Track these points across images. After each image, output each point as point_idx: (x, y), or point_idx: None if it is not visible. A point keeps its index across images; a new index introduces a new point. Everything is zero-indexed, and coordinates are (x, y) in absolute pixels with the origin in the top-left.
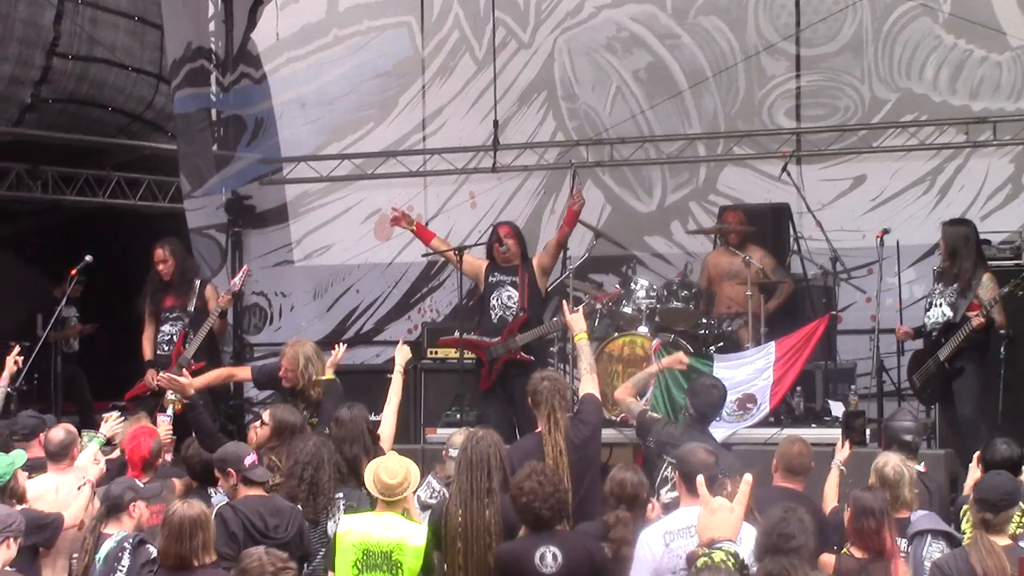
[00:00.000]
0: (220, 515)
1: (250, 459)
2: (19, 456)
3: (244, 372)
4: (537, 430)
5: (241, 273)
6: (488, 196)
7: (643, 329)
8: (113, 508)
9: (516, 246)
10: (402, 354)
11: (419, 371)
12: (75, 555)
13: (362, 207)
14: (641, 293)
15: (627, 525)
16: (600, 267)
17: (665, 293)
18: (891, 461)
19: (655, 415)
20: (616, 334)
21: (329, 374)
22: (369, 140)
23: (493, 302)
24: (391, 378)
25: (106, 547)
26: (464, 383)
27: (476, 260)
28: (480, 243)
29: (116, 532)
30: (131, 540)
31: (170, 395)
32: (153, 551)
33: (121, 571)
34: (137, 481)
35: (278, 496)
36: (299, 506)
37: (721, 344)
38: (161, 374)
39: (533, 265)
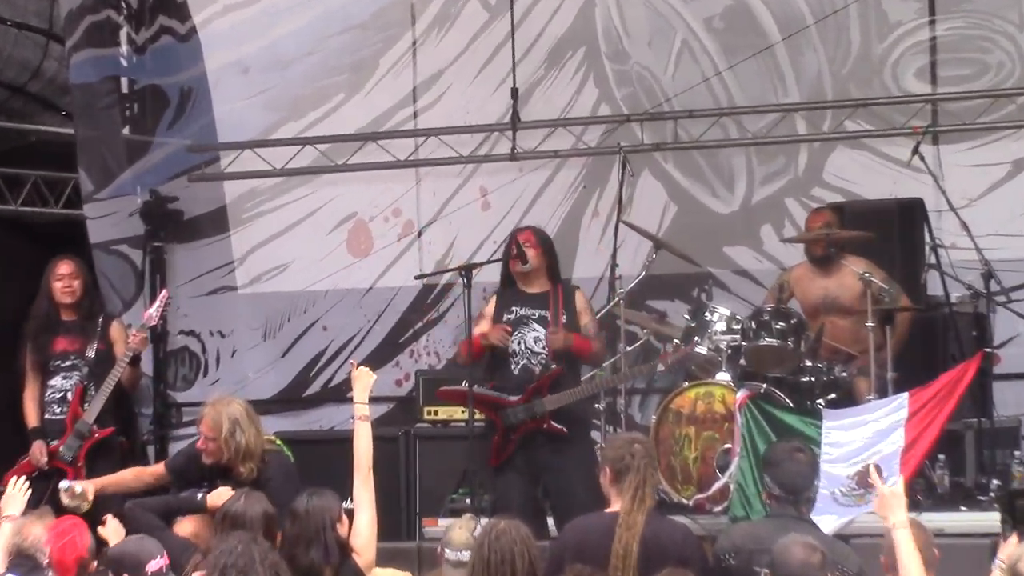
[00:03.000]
0: None
1: (155, 565)
2: None
3: (156, 469)
4: (611, 508)
5: (159, 301)
6: (505, 194)
7: (723, 376)
8: None
9: (541, 259)
10: (363, 383)
11: (412, 438)
12: None
13: (330, 211)
14: (720, 326)
15: None
16: (662, 290)
17: (753, 326)
18: None
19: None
20: (686, 384)
21: (272, 441)
22: (339, 118)
23: (514, 345)
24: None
25: None
26: (475, 453)
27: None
28: (494, 260)
29: None
30: None
31: (66, 496)
32: None
33: None
34: None
35: None
36: None
37: (833, 396)
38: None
39: (575, 299)
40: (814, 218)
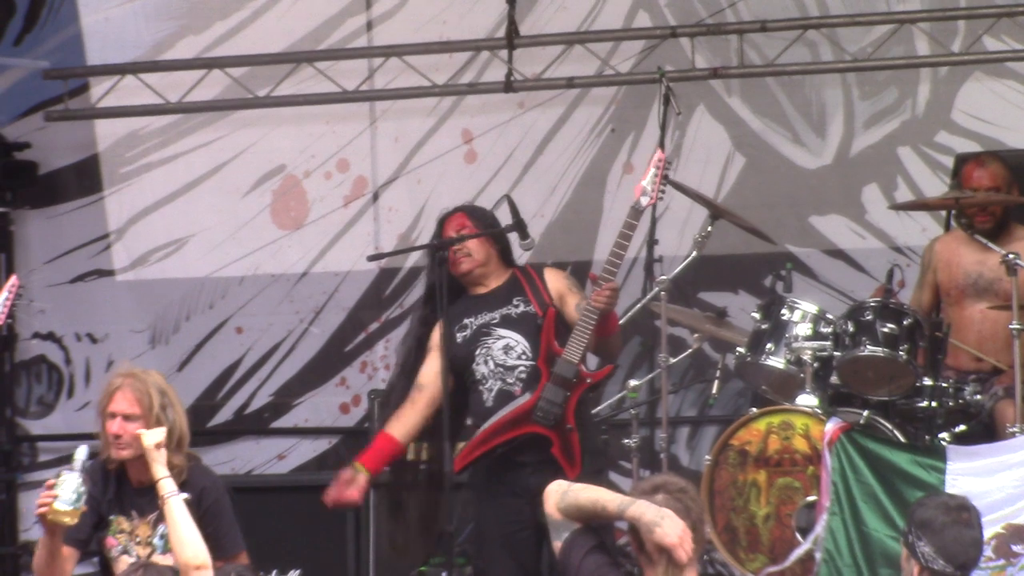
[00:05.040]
0: None
1: None
2: None
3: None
4: None
5: (5, 291)
6: (498, 140)
7: (806, 400)
8: None
9: (484, 249)
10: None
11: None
12: None
13: (247, 164)
14: (803, 328)
15: None
16: (721, 278)
17: (850, 329)
18: None
19: None
20: (753, 410)
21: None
22: (259, 31)
23: (481, 369)
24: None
25: None
26: (458, 507)
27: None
28: (481, 234)
29: None
30: None
31: None
32: None
33: None
34: None
35: None
36: None
37: (962, 428)
38: None
39: (547, 280)
40: (978, 169)
